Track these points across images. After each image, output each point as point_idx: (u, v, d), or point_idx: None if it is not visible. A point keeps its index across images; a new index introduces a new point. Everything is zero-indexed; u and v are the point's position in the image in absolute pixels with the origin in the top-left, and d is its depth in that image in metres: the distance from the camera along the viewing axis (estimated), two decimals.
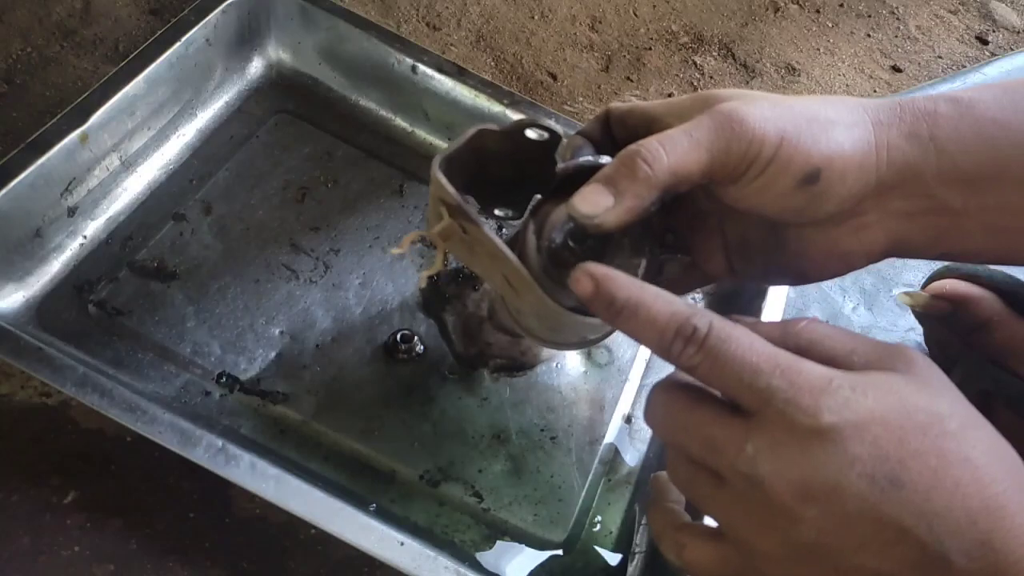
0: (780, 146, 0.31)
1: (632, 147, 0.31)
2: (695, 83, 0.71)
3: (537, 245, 0.34)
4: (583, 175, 0.32)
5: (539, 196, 0.36)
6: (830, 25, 0.80)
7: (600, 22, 0.74)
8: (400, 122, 0.59)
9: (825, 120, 0.32)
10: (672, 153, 0.31)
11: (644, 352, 0.53)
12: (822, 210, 0.33)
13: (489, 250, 0.33)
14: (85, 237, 0.49)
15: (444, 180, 0.33)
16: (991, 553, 0.25)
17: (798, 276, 0.37)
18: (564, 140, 0.35)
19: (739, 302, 0.53)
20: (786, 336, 0.29)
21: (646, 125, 0.35)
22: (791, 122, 0.32)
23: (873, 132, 0.33)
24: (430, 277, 0.52)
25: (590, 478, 0.47)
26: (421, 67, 0.56)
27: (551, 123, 0.35)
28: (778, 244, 0.36)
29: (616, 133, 0.37)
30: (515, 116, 0.56)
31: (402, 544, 0.38)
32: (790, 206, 0.33)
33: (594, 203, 0.31)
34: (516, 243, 0.35)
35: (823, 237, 0.35)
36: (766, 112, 0.32)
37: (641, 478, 0.48)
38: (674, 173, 0.31)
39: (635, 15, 0.76)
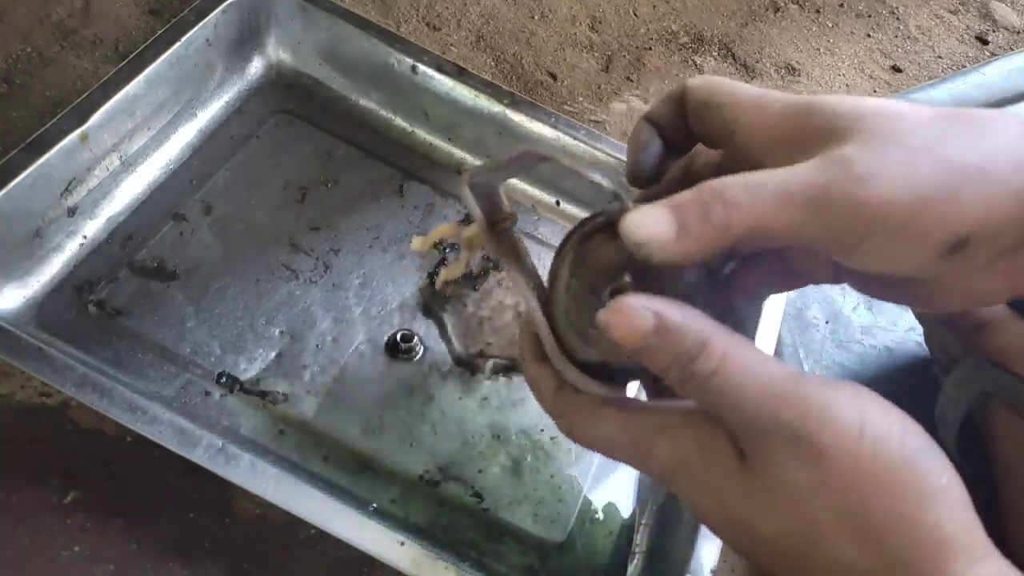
0: (915, 216, 0.25)
1: (715, 186, 0.26)
2: None
3: (568, 282, 0.29)
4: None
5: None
6: (830, 25, 0.80)
7: (600, 22, 0.74)
8: (400, 122, 0.59)
9: (979, 171, 0.26)
10: (759, 210, 0.25)
11: None
12: (966, 269, 0.28)
13: (513, 278, 0.32)
14: (85, 237, 0.49)
15: (472, 202, 0.31)
16: None
17: (928, 305, 0.32)
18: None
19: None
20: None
21: (728, 133, 0.29)
22: (935, 180, 0.25)
23: None
24: (432, 276, 0.52)
25: (590, 478, 0.47)
26: (421, 67, 0.56)
27: (613, 182, 0.31)
28: (908, 283, 0.30)
29: (692, 125, 0.31)
30: (515, 116, 0.56)
31: (402, 544, 0.38)
32: (925, 273, 0.28)
33: (649, 230, 0.26)
34: (553, 268, 0.31)
35: (964, 283, 0.29)
36: (900, 170, 0.25)
37: (642, 477, 0.48)
38: (755, 230, 0.26)
39: (635, 15, 0.76)
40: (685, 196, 0.26)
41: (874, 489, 0.24)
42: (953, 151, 0.26)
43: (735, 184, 0.26)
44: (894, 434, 0.25)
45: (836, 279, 0.33)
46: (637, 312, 0.25)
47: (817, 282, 0.34)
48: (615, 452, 0.29)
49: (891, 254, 0.26)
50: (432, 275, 0.52)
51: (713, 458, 0.26)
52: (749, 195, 0.26)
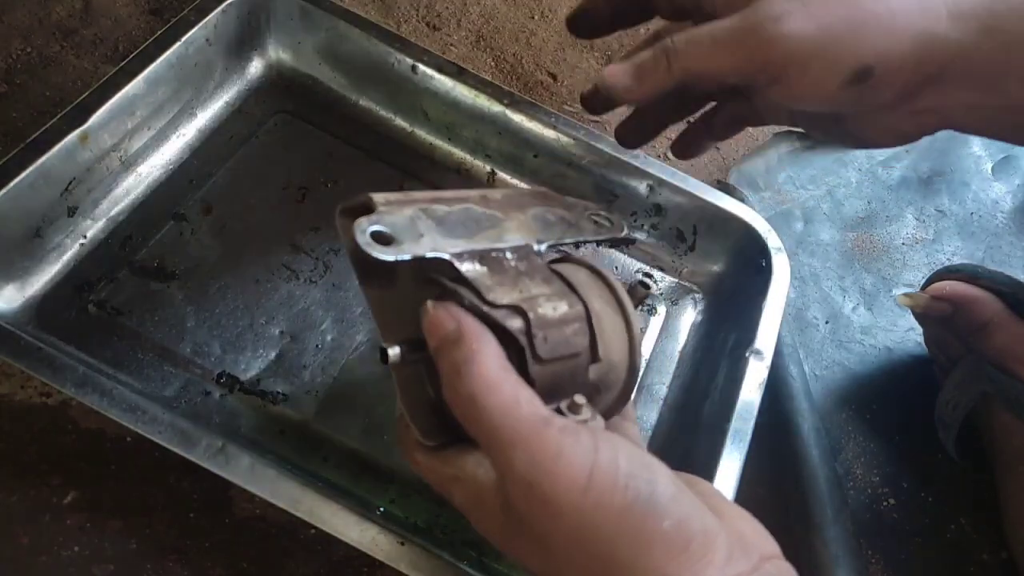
0: (824, 47, 0.31)
1: (665, 42, 0.34)
2: None
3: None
4: None
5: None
6: None
7: None
8: (400, 122, 0.59)
9: (886, 11, 0.31)
10: (695, 56, 0.33)
11: (644, 352, 0.53)
12: (875, 103, 0.33)
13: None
14: (85, 237, 0.49)
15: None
16: None
17: (857, 143, 0.38)
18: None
19: (739, 302, 0.53)
20: None
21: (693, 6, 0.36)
22: (844, 19, 0.31)
23: (946, 23, 0.31)
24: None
25: None
26: (421, 67, 0.56)
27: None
28: (837, 119, 0.37)
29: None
30: (515, 116, 0.56)
31: (402, 544, 0.38)
32: (840, 102, 0.33)
33: (617, 79, 0.35)
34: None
35: (880, 120, 0.35)
36: (813, 10, 0.30)
37: None
38: (695, 73, 0.33)
39: None
40: (644, 53, 0.35)
41: (599, 540, 0.25)
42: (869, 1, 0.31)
43: (679, 39, 0.33)
44: (618, 483, 0.25)
45: (790, 121, 0.41)
46: (446, 315, 0.28)
47: (775, 123, 0.42)
48: (437, 489, 0.32)
49: (808, 83, 0.32)
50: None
51: (483, 512, 0.28)
52: (687, 46, 0.33)
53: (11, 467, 0.42)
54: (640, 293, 0.36)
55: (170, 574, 0.41)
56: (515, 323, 0.29)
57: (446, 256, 0.30)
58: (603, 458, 0.25)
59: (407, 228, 0.30)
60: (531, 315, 0.29)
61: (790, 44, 0.31)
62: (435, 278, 0.31)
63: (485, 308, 0.29)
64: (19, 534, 0.41)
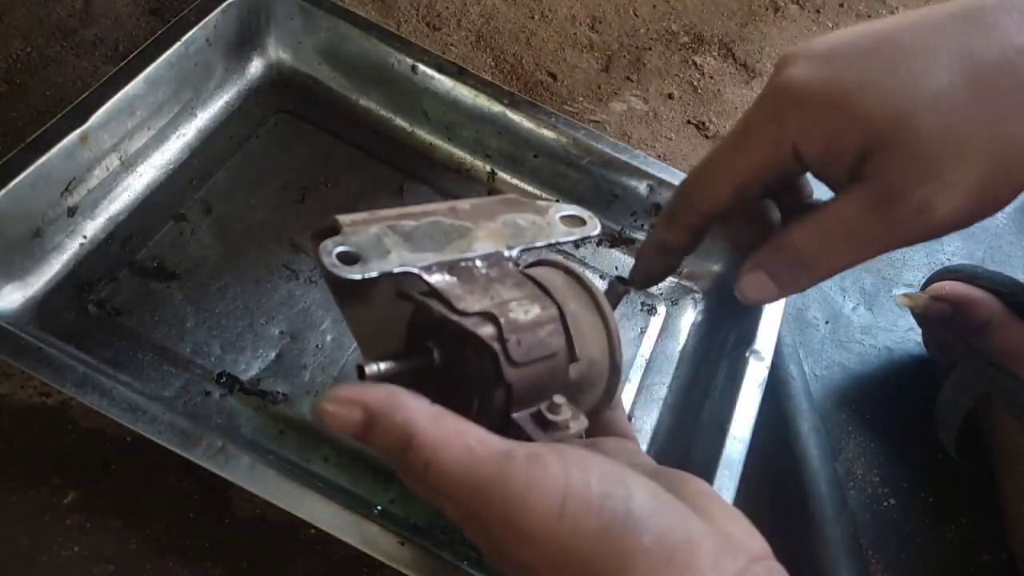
0: (983, 207, 0.31)
1: (793, 251, 0.34)
2: (695, 83, 0.71)
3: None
4: None
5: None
6: (830, 25, 0.80)
7: (600, 22, 0.74)
8: (400, 122, 0.59)
9: (1011, 148, 0.30)
10: (834, 262, 0.33)
11: (644, 352, 0.53)
12: None
13: None
14: (85, 237, 0.49)
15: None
16: None
17: None
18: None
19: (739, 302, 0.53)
20: None
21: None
22: (990, 175, 0.30)
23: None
24: None
25: None
26: (421, 67, 0.56)
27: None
28: None
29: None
30: (515, 116, 0.56)
31: (402, 544, 0.37)
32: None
33: (756, 295, 0.36)
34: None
35: None
36: (954, 180, 0.30)
37: None
38: (830, 274, 0.34)
39: (635, 15, 0.76)
40: (771, 260, 0.35)
41: (580, 564, 0.24)
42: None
43: (808, 245, 0.33)
44: (592, 504, 0.25)
45: None
46: (346, 406, 0.26)
47: None
48: (432, 503, 0.31)
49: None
50: None
51: (472, 532, 0.28)
52: (823, 252, 0.33)
53: (11, 467, 0.42)
54: (618, 291, 0.36)
55: (170, 574, 0.41)
56: (487, 330, 0.29)
57: (414, 270, 0.30)
58: (575, 481, 0.25)
59: (373, 246, 0.30)
60: (502, 320, 0.29)
61: (947, 227, 0.31)
62: (406, 292, 0.31)
63: (456, 317, 0.29)
64: (19, 534, 0.41)
